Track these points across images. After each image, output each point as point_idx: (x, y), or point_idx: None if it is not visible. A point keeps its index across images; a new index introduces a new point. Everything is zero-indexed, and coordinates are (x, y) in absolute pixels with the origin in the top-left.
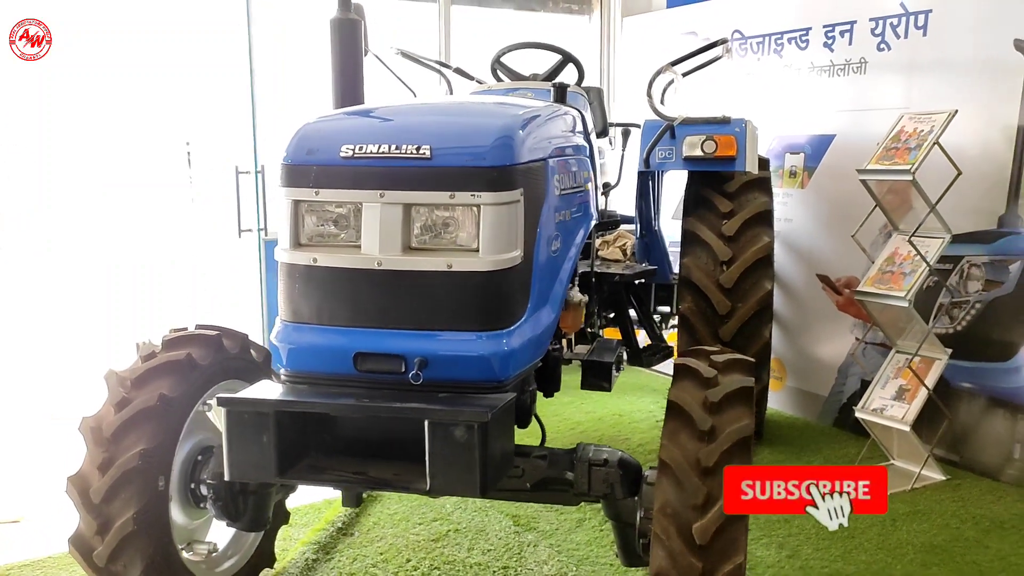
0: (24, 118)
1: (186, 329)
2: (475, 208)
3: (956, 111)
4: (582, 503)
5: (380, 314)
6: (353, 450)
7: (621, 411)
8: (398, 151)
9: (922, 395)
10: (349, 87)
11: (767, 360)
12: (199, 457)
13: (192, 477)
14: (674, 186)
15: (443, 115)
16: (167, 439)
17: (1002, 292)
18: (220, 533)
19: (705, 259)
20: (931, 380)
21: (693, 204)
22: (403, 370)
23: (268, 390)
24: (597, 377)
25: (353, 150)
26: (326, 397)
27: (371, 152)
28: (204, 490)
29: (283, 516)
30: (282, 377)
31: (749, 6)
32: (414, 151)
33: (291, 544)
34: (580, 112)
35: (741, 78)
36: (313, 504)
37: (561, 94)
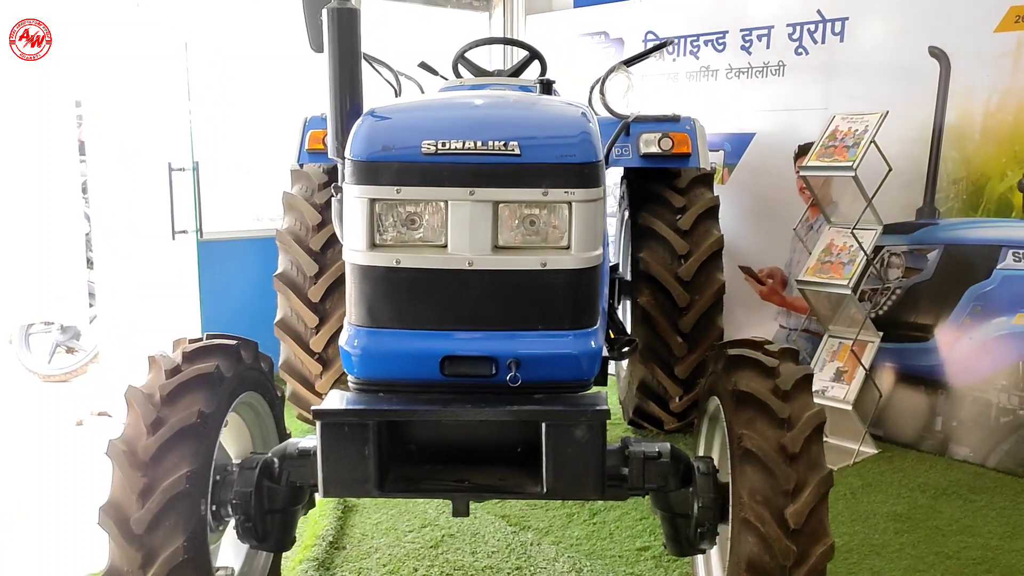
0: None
1: (201, 340)
2: (567, 205)
3: (887, 112)
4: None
5: (469, 316)
6: (436, 458)
7: None
8: (485, 147)
9: (860, 375)
10: (348, 82)
11: None
12: (217, 477)
13: (213, 498)
14: None
15: (515, 109)
16: (206, 459)
17: (921, 278)
18: (227, 557)
19: (662, 253)
20: (867, 361)
21: (643, 200)
22: (492, 372)
23: (355, 400)
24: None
25: (436, 146)
26: (422, 404)
27: (456, 148)
28: (225, 512)
29: None
30: (352, 385)
31: (662, 8)
32: (502, 147)
33: (286, 562)
34: None
35: (655, 78)
36: None
37: (548, 90)
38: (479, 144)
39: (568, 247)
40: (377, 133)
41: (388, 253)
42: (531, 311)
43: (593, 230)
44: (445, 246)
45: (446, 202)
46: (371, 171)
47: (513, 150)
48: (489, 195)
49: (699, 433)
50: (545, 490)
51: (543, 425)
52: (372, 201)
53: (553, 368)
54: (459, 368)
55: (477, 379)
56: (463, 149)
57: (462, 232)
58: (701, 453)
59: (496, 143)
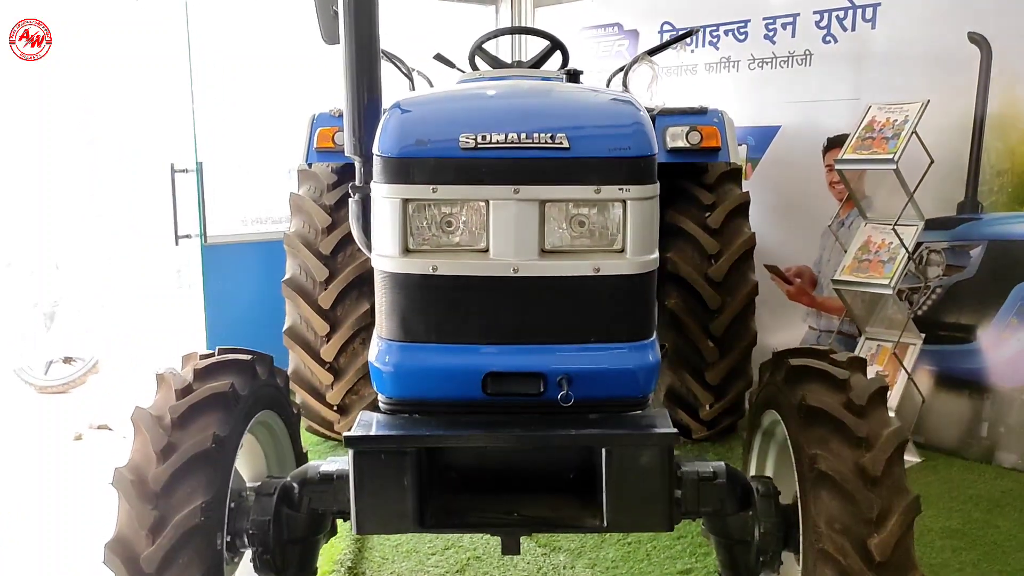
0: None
1: (213, 354)
2: (621, 203)
3: (928, 100)
4: None
5: (515, 328)
6: (478, 486)
7: None
8: (530, 141)
9: (901, 380)
10: (367, 75)
11: (750, 354)
12: (232, 505)
13: (227, 529)
14: None
15: (559, 99)
16: (222, 487)
17: (963, 276)
18: None
19: (691, 253)
20: (909, 364)
21: (669, 197)
22: (540, 390)
23: (390, 423)
24: None
25: (475, 140)
26: (468, 429)
27: (498, 142)
28: (240, 542)
29: None
30: (383, 406)
31: None
32: (548, 140)
33: None
34: None
35: (672, 70)
36: None
37: (575, 81)
38: (523, 137)
39: (623, 250)
40: (409, 126)
41: (423, 259)
42: (583, 322)
43: (649, 231)
44: (487, 250)
45: (487, 202)
46: (403, 168)
47: (561, 143)
48: (535, 193)
49: (750, 449)
50: (605, 523)
51: (602, 451)
52: (405, 201)
53: (608, 385)
54: (504, 386)
55: (523, 398)
56: (506, 143)
57: (506, 235)
58: (753, 471)
59: (542, 136)
